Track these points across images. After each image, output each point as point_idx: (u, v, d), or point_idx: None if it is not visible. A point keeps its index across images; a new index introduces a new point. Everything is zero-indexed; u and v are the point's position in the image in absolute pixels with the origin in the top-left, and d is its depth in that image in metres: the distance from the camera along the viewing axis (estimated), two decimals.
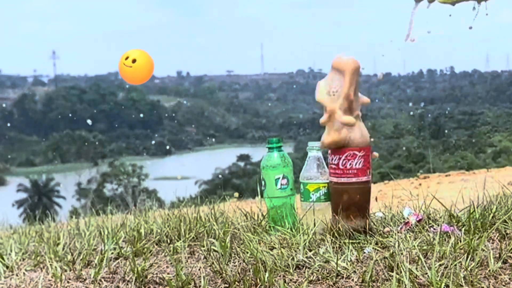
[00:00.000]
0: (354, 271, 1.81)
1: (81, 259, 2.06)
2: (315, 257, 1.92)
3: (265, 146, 2.32)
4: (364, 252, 1.96)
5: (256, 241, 2.10)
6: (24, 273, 2.01)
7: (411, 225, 2.21)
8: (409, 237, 2.04)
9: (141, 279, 1.86)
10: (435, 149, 42.13)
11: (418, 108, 57.55)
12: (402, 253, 1.86)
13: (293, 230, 2.17)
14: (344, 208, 2.12)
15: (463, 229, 2.11)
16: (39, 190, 41.59)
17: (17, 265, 2.11)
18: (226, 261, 1.95)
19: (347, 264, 1.85)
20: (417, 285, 1.68)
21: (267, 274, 1.78)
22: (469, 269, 1.75)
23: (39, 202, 39.19)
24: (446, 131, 48.27)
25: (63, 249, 2.21)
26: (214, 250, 2.06)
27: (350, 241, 2.04)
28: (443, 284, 1.66)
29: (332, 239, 2.06)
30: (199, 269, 1.91)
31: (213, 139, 63.51)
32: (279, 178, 2.27)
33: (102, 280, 1.89)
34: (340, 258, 1.87)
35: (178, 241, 2.22)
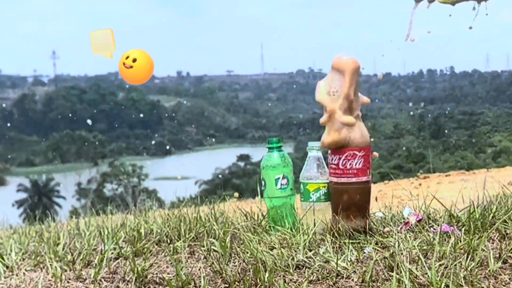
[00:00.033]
0: (354, 271, 1.81)
1: (81, 259, 2.06)
2: (315, 257, 1.92)
3: (265, 146, 2.32)
4: (364, 252, 1.96)
5: (256, 241, 2.10)
6: (24, 273, 2.01)
7: (411, 225, 2.21)
8: (409, 237, 2.04)
9: (141, 279, 1.86)
10: (435, 149, 42.13)
11: (418, 108, 57.54)
12: (402, 253, 1.86)
13: (293, 230, 2.17)
14: (344, 208, 2.12)
15: (463, 229, 2.11)
16: (39, 190, 41.59)
17: (17, 265, 2.11)
18: (226, 261, 1.95)
19: (347, 264, 1.85)
20: (417, 285, 1.68)
21: (267, 274, 1.78)
22: (469, 269, 1.75)
23: (39, 202, 39.19)
24: (446, 131, 48.27)
25: (63, 249, 2.21)
26: (214, 250, 2.06)
27: (350, 241, 2.04)
28: (443, 284, 1.66)
29: (332, 239, 2.06)
30: (199, 269, 1.91)
31: (213, 139, 63.51)
32: (279, 178, 2.27)
33: (102, 280, 1.89)
34: (340, 258, 1.87)
35: (178, 241, 2.22)
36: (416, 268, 1.76)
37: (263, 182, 2.31)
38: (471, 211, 2.23)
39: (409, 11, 2.00)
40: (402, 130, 48.64)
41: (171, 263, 2.00)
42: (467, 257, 1.81)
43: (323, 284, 1.78)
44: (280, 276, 1.82)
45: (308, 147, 2.27)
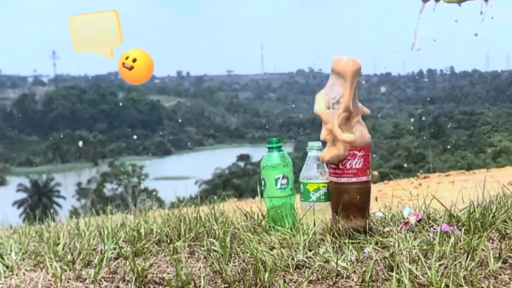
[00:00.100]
0: (354, 271, 1.81)
1: (81, 259, 2.06)
2: (315, 257, 1.92)
3: (265, 146, 2.32)
4: (364, 252, 1.96)
5: (256, 241, 2.10)
6: (24, 273, 2.01)
7: (411, 225, 2.21)
8: (409, 237, 2.04)
9: (141, 279, 1.86)
10: (435, 149, 42.14)
11: (418, 108, 57.52)
12: (402, 253, 1.86)
13: (293, 230, 2.17)
14: (344, 208, 2.12)
15: (463, 229, 2.11)
16: (39, 190, 41.60)
17: (17, 265, 2.11)
18: (226, 261, 1.96)
19: (347, 264, 1.85)
20: (417, 285, 1.68)
21: (267, 274, 1.78)
22: (469, 269, 1.75)
23: (39, 202, 39.19)
24: (446, 131, 48.28)
25: (63, 249, 2.21)
26: (214, 250, 2.06)
27: (350, 241, 2.04)
28: (443, 284, 1.66)
29: (332, 239, 2.06)
30: (199, 269, 1.91)
31: (213, 139, 63.51)
32: (279, 178, 2.27)
33: (102, 280, 1.89)
34: (340, 258, 1.87)
35: (178, 241, 2.22)
36: (416, 268, 1.76)
37: (263, 182, 2.31)
38: (471, 211, 2.23)
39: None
40: (402, 130, 48.64)
41: (171, 263, 2.00)
42: (467, 257, 1.81)
43: (323, 284, 1.78)
44: (280, 276, 1.82)
45: (308, 147, 2.27)
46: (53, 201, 41.14)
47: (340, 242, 2.05)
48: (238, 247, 2.06)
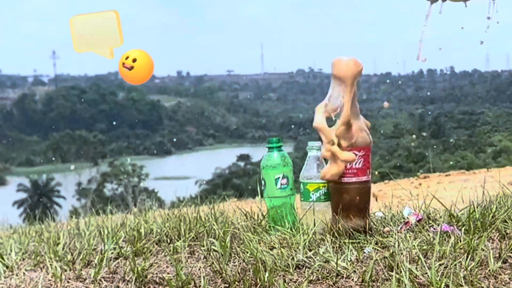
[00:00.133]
0: (354, 271, 1.81)
1: (81, 259, 2.06)
2: (315, 257, 1.92)
3: (265, 146, 2.32)
4: (364, 252, 1.96)
5: (256, 241, 2.10)
6: (24, 273, 2.01)
7: (411, 225, 2.21)
8: (409, 237, 2.04)
9: (141, 279, 1.86)
10: (435, 149, 42.13)
11: (418, 108, 57.51)
12: (402, 253, 1.86)
13: (293, 230, 2.17)
14: (344, 208, 2.12)
15: (463, 229, 2.11)
16: (39, 190, 41.58)
17: (17, 265, 2.11)
18: (226, 261, 1.96)
19: (347, 264, 1.85)
20: (417, 285, 1.68)
21: (267, 274, 1.78)
22: (469, 269, 1.75)
23: (39, 202, 39.17)
24: (446, 131, 48.26)
25: (63, 249, 2.21)
26: (214, 250, 2.06)
27: (350, 241, 2.04)
28: (443, 284, 1.66)
29: (332, 239, 2.06)
30: (199, 269, 1.91)
31: (213, 139, 63.49)
32: (279, 178, 2.27)
33: (102, 280, 1.89)
34: (340, 258, 1.87)
35: (178, 241, 2.22)
36: (416, 268, 1.76)
37: (263, 182, 2.31)
38: (471, 211, 2.23)
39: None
40: (402, 130, 48.62)
41: (171, 263, 2.00)
42: (467, 257, 1.81)
43: (323, 284, 1.78)
44: (280, 276, 1.82)
45: (308, 146, 2.27)
46: (53, 201, 41.12)
47: (340, 242, 2.05)
48: (238, 247, 2.06)
